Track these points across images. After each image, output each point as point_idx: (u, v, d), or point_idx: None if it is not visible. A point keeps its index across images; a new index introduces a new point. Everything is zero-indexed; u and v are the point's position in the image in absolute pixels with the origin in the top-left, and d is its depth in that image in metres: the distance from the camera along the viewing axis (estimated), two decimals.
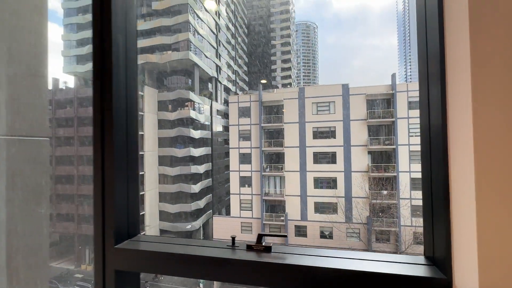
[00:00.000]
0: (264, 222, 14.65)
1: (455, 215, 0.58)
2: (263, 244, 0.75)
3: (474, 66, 0.48)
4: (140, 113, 17.52)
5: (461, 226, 0.55)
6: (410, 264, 0.63)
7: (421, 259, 0.65)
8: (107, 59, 0.80)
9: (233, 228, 14.88)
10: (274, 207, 15.09)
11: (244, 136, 15.99)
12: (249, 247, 0.78)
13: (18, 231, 1.24)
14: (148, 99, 16.92)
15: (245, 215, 15.07)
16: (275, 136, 15.33)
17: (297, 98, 14.67)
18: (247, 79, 22.08)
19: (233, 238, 0.80)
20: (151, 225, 17.56)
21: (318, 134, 14.39)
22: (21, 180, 1.33)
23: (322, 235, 14.19)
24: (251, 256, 0.73)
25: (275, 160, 15.44)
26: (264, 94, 15.55)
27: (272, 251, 0.74)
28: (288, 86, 21.77)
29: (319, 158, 14.28)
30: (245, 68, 21.99)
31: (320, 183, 14.22)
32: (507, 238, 0.46)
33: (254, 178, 15.33)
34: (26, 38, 1.32)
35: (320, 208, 14.47)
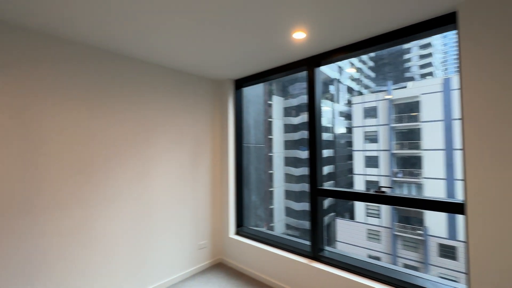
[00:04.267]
0: (395, 233, 13.77)
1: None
2: (381, 190, 1.97)
3: None
4: (269, 119, 20.96)
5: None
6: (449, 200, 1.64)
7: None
8: (314, 103, 2.29)
9: (357, 233, 14.96)
10: (408, 219, 13.78)
11: (370, 137, 15.65)
12: (376, 191, 2.01)
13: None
14: (276, 106, 19.98)
15: (372, 222, 14.75)
16: (409, 137, 14.05)
17: (441, 91, 12.80)
18: (372, 75, 21.08)
19: (368, 189, 2.07)
20: (278, 219, 20.46)
21: None
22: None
23: None
24: (377, 194, 1.97)
25: (410, 164, 14.09)
26: (394, 91, 14.63)
27: (385, 193, 1.94)
28: (428, 77, 18.78)
29: None
30: (370, 64, 21.07)
31: None
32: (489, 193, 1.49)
33: (383, 183, 14.68)
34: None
35: None
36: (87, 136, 2.14)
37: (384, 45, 1.98)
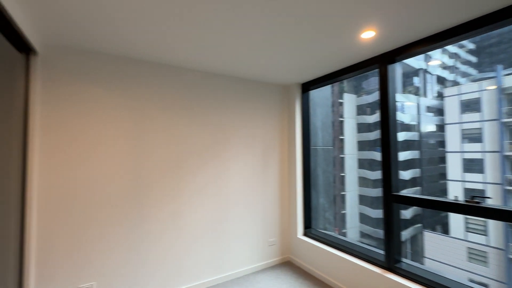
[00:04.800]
0: (511, 256, 10.89)
1: None
2: (474, 200, 1.71)
3: None
4: (340, 119, 19.85)
5: None
6: None
7: None
8: (385, 102, 2.15)
9: (454, 252, 12.53)
10: None
11: (471, 136, 12.89)
12: (467, 201, 1.77)
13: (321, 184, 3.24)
14: (347, 105, 18.77)
15: (474, 239, 12.11)
16: None
17: None
18: (473, 59, 17.39)
19: (456, 197, 1.81)
20: (351, 226, 19.09)
21: None
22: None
23: None
24: (468, 204, 1.72)
25: None
26: (506, 77, 11.62)
27: (478, 204, 1.68)
28: None
29: None
30: (470, 46, 17.41)
31: None
32: None
33: (490, 193, 11.86)
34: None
35: None
36: (178, 146, 2.61)
37: (482, 30, 1.69)
